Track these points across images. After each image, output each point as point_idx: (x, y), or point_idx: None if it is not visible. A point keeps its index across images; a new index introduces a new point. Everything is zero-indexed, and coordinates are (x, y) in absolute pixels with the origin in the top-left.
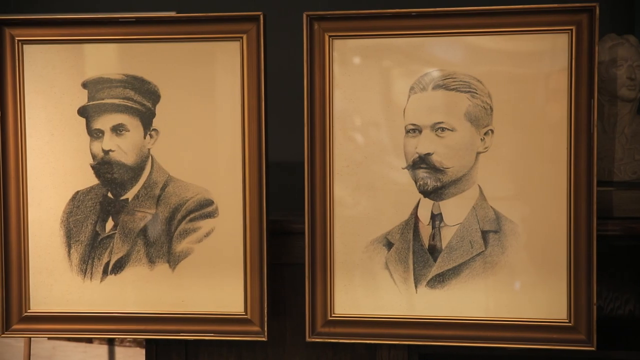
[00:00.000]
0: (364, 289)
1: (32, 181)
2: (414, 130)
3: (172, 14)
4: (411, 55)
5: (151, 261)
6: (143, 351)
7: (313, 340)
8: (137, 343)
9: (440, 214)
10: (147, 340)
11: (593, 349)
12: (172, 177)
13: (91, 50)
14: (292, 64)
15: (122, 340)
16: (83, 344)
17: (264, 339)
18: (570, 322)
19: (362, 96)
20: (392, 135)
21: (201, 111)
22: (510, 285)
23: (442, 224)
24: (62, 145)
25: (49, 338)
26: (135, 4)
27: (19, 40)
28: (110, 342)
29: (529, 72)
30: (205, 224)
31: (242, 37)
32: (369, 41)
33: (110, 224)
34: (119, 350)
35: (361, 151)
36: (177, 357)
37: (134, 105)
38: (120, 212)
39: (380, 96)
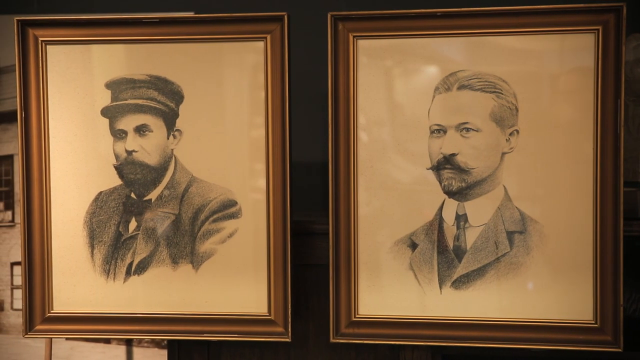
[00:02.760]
0: (388, 290)
1: (55, 182)
2: (439, 130)
3: (191, 14)
4: (436, 55)
5: (174, 262)
6: (161, 352)
7: (337, 341)
8: (155, 343)
9: (465, 214)
10: (169, 341)
11: (619, 350)
12: (196, 178)
13: (114, 51)
14: (313, 64)
15: (140, 341)
16: (101, 345)
17: (287, 339)
18: (596, 323)
19: (386, 96)
20: (417, 135)
21: (225, 111)
22: (536, 286)
23: (466, 225)
24: (85, 145)
25: (67, 338)
26: (153, 4)
27: (42, 41)
28: (128, 343)
29: (554, 72)
30: (228, 225)
31: (266, 38)
32: (393, 41)
33: (133, 224)
34: (136, 351)
35: (385, 151)
36: (200, 358)
37: (157, 106)
38: (144, 213)
39: (404, 96)
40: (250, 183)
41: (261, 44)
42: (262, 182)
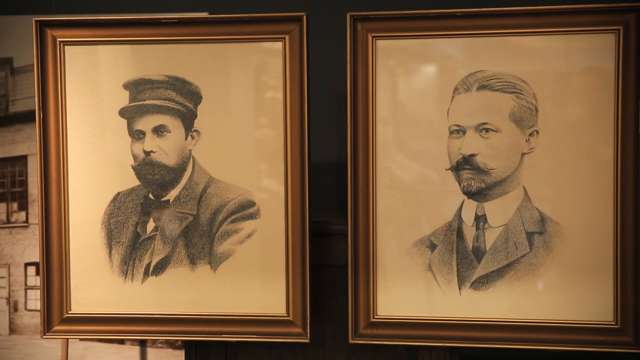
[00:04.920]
0: (407, 291)
1: (73, 182)
2: (458, 131)
3: (205, 14)
4: (455, 56)
5: (192, 262)
6: (175, 352)
7: (356, 342)
8: (169, 344)
9: (485, 215)
10: (186, 341)
11: None
12: (214, 178)
13: (132, 52)
14: (327, 64)
15: (154, 341)
16: (115, 345)
17: (306, 340)
18: (616, 324)
19: (405, 97)
20: (436, 136)
21: (243, 112)
22: (555, 287)
23: (486, 225)
24: (103, 146)
25: (81, 339)
26: (168, 4)
27: (60, 42)
28: (142, 343)
29: (575, 72)
30: (247, 226)
31: (284, 38)
32: (412, 41)
33: (151, 225)
34: (150, 352)
35: (404, 152)
36: (217, 359)
37: (175, 107)
38: (162, 214)
39: (423, 97)
40: (269, 184)
41: (280, 44)
42: (281, 183)
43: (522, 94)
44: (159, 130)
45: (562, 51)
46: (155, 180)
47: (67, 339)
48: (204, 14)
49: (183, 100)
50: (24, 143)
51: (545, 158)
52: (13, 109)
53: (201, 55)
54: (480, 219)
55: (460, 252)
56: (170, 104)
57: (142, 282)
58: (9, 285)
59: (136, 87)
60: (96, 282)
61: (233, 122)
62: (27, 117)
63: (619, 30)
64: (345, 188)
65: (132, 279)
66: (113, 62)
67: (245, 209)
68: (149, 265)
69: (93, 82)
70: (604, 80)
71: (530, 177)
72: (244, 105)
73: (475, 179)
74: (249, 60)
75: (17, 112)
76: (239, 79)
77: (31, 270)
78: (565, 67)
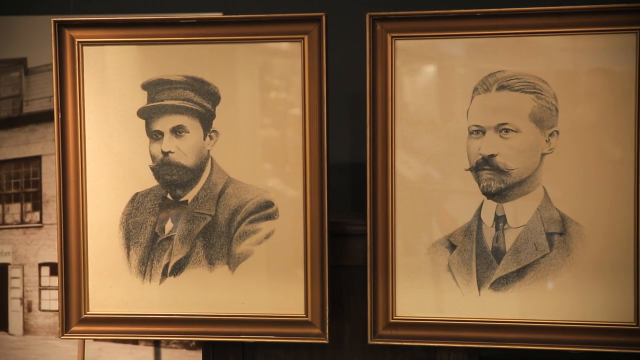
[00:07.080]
0: (426, 291)
1: (92, 183)
2: (478, 131)
3: (219, 14)
4: (475, 56)
5: (210, 263)
6: (189, 353)
7: (375, 342)
8: (183, 345)
9: (504, 215)
10: (204, 342)
11: None
12: (232, 179)
13: (151, 52)
14: (341, 64)
15: (168, 342)
16: (129, 345)
17: (325, 341)
18: (637, 324)
19: (424, 97)
20: (456, 136)
21: (261, 112)
22: (575, 287)
23: (506, 226)
24: (121, 146)
25: (96, 339)
26: (183, 5)
27: (79, 42)
28: (156, 344)
29: (594, 72)
30: (265, 226)
31: (303, 38)
32: (432, 42)
33: (169, 225)
34: (164, 352)
35: (424, 152)
36: (234, 359)
37: (193, 107)
38: (180, 214)
39: (443, 97)
40: (287, 184)
41: (298, 44)
42: (299, 183)
43: (542, 94)
44: (177, 131)
45: (583, 51)
46: (173, 181)
47: (85, 339)
48: (219, 14)
49: (201, 101)
50: (38, 143)
51: (565, 158)
52: (27, 110)
53: (219, 56)
54: (500, 220)
55: (479, 253)
56: (189, 105)
57: (160, 283)
58: (23, 286)
59: (154, 87)
60: (114, 282)
61: (252, 122)
62: (41, 118)
63: (639, 30)
64: (359, 188)
65: (150, 280)
66: (131, 62)
67: (264, 210)
68: (167, 265)
69: (111, 82)
70: (624, 80)
71: (550, 177)
72: (262, 105)
73: (494, 179)
74: (267, 60)
75: (32, 112)
76: (257, 79)
77: (45, 270)
78: (586, 66)
